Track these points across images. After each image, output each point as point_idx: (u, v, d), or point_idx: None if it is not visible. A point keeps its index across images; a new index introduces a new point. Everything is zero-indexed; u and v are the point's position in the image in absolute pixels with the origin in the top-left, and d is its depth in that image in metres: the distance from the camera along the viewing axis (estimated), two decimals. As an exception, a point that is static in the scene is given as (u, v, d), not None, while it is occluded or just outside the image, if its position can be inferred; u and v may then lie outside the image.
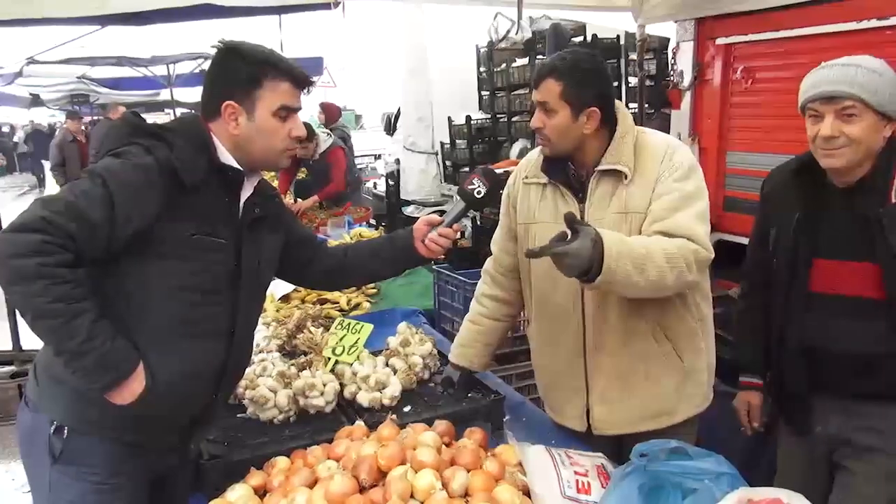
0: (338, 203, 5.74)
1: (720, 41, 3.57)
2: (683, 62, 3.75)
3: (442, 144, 6.91)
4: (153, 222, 1.36)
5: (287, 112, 1.48)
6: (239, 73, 1.44)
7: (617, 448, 1.79)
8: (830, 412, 1.75)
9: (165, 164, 1.37)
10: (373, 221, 5.37)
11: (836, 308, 1.68)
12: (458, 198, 1.79)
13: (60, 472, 1.44)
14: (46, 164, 11.14)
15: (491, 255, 2.07)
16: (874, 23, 2.89)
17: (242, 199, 1.52)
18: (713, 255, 1.67)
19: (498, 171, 1.86)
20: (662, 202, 1.66)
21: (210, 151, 1.45)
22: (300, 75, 1.49)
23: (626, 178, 1.71)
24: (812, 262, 1.71)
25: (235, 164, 1.48)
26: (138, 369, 1.36)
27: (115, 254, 1.35)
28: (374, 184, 9.12)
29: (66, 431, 1.42)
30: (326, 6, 3.55)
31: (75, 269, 1.29)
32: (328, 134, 5.91)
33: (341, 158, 5.73)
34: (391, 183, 7.41)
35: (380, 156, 12.06)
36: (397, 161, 7.71)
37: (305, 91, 1.52)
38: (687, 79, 3.73)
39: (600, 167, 1.73)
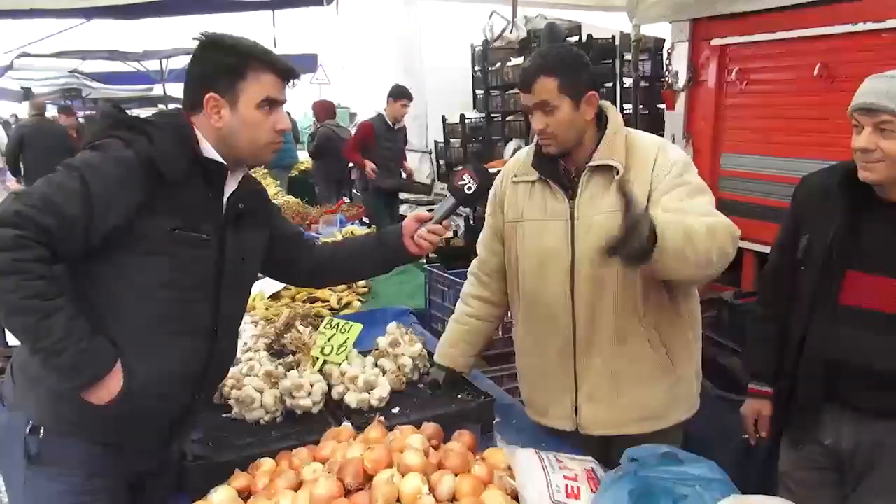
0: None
1: (715, 42, 3.55)
2: (678, 63, 3.73)
3: (436, 143, 6.90)
4: (133, 217, 1.32)
5: (271, 104, 1.44)
6: (221, 64, 1.40)
7: (606, 450, 1.76)
8: (844, 425, 1.70)
9: (145, 157, 1.33)
10: (366, 220, 5.35)
11: (869, 323, 1.62)
12: (448, 194, 1.76)
13: (36, 473, 1.40)
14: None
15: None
16: (870, 25, 2.88)
17: (226, 194, 1.49)
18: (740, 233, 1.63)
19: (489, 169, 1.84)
20: (672, 196, 1.63)
21: (192, 145, 1.41)
22: (284, 67, 1.45)
23: (617, 173, 1.69)
24: (845, 275, 1.65)
25: (218, 158, 1.44)
26: (116, 368, 1.33)
27: (93, 249, 1.31)
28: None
29: (42, 432, 1.39)
30: (318, 2, 3.52)
31: (51, 265, 1.25)
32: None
33: (363, 129, 6.14)
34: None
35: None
36: (391, 159, 7.67)
37: (290, 84, 1.48)
38: (682, 80, 3.70)
39: (592, 163, 1.72)
